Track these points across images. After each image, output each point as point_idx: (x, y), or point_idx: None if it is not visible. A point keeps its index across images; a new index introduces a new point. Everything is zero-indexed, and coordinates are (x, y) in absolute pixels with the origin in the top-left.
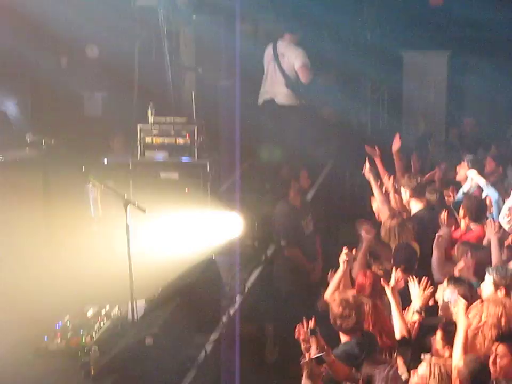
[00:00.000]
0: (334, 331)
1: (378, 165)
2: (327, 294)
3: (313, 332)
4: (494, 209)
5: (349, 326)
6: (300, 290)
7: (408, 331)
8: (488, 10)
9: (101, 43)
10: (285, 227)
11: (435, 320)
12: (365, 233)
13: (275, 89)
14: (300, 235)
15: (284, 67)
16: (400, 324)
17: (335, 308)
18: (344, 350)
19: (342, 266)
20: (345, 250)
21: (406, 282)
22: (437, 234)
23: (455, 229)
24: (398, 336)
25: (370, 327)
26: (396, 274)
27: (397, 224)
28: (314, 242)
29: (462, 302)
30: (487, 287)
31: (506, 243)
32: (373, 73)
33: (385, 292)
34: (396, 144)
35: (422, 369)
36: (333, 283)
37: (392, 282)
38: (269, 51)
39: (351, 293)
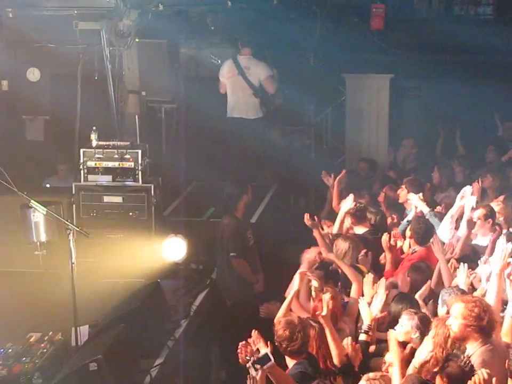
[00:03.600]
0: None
1: (335, 192)
2: (281, 311)
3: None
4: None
5: (294, 349)
6: (245, 302)
7: (347, 356)
8: (429, 33)
9: (42, 67)
10: (234, 238)
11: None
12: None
13: (246, 100)
14: (246, 247)
15: (250, 79)
16: (336, 349)
17: (281, 331)
18: (299, 370)
19: (297, 282)
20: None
21: None
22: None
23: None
24: (336, 361)
25: (314, 351)
26: (326, 299)
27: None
28: (256, 254)
29: (392, 333)
30: (441, 309)
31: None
32: (316, 97)
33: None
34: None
35: None
36: (288, 299)
37: (324, 310)
38: (229, 66)
39: (296, 316)
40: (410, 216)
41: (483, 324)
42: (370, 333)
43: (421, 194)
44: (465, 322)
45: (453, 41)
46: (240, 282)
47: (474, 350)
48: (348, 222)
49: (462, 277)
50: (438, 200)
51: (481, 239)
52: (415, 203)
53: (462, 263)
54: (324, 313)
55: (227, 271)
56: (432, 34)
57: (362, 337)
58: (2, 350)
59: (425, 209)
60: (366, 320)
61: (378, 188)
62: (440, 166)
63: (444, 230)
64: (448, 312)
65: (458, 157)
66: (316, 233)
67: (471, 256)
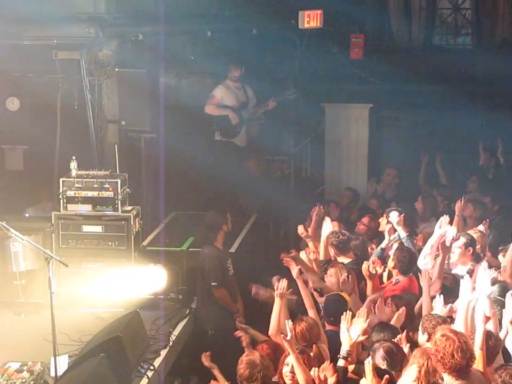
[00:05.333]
0: None
1: (312, 225)
2: (271, 331)
3: None
4: None
5: None
6: (226, 331)
7: (313, 381)
8: (408, 63)
9: (22, 96)
10: (215, 268)
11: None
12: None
13: None
14: (226, 276)
15: None
16: (302, 374)
17: (242, 370)
18: None
19: (277, 301)
20: (280, 283)
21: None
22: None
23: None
24: None
25: None
26: (288, 325)
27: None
28: (235, 284)
29: (368, 363)
30: (421, 336)
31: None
32: (296, 126)
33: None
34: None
35: None
36: (273, 319)
37: (288, 334)
38: None
39: (258, 355)
40: (383, 244)
41: (455, 362)
42: (349, 359)
43: (402, 216)
44: (438, 359)
45: (432, 71)
46: (221, 312)
47: (451, 382)
48: (331, 251)
49: (438, 308)
50: (418, 230)
51: (462, 268)
52: (395, 223)
53: (438, 295)
54: (288, 337)
55: (208, 300)
56: (412, 64)
57: (340, 362)
58: None
59: (402, 234)
60: (345, 346)
61: (356, 217)
62: (424, 196)
63: (424, 260)
64: (428, 340)
65: (439, 186)
66: (294, 273)
67: (452, 286)
